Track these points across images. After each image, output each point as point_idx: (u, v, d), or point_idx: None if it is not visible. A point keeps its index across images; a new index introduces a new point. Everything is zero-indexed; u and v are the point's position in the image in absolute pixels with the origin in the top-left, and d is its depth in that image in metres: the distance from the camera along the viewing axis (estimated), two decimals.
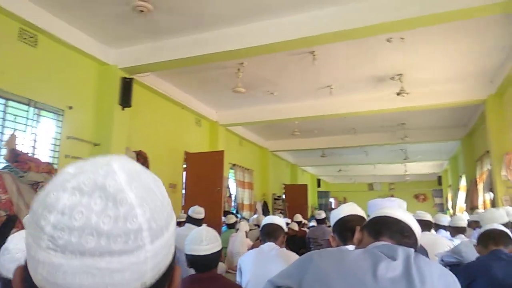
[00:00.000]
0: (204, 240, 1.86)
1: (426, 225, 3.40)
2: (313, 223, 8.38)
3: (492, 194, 6.80)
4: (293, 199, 12.18)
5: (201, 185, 6.96)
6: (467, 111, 8.26)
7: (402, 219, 1.19)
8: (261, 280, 2.13)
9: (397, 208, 1.25)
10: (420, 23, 4.34)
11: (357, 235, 1.24)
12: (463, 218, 3.82)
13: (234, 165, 9.58)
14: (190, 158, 7.47)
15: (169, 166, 7.08)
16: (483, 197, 7.57)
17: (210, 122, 8.56)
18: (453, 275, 1.05)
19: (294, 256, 2.36)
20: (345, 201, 20.09)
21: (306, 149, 11.64)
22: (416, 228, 1.20)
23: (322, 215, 6.41)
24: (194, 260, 1.87)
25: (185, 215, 6.20)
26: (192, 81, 6.78)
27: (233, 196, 9.61)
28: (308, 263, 1.05)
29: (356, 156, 13.23)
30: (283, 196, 12.66)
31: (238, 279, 2.48)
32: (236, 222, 5.93)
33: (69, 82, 4.95)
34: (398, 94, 6.26)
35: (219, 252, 1.92)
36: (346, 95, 7.33)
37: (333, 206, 18.61)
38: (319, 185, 18.38)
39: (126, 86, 5.52)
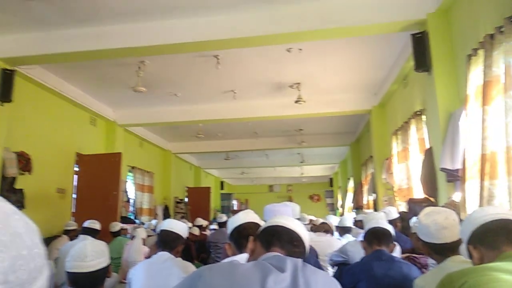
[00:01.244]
0: (88, 256, 1.66)
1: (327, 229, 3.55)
2: (214, 225, 8.39)
3: (375, 195, 7.59)
4: (196, 202, 12.06)
5: (95, 189, 6.48)
6: (355, 120, 9.11)
7: (293, 228, 1.24)
8: None
9: (288, 217, 1.30)
10: (319, 36, 4.66)
11: (250, 245, 1.25)
12: (349, 219, 4.16)
13: (133, 167, 9.11)
14: (83, 160, 6.90)
15: (57, 169, 6.43)
16: (367, 198, 8.41)
17: (106, 122, 8.01)
18: (336, 282, 1.11)
19: (190, 267, 2.27)
20: (247, 202, 20.58)
21: (210, 151, 11.63)
22: (305, 236, 1.25)
23: (223, 218, 6.46)
24: (76, 279, 1.66)
25: (75, 224, 5.71)
26: (88, 77, 6.28)
27: (131, 201, 9.13)
28: (197, 280, 1.01)
29: (258, 159, 13.66)
30: (186, 199, 12.46)
31: None
32: (120, 230, 5.57)
33: None
34: (296, 101, 6.62)
35: (106, 268, 1.72)
36: (249, 100, 7.50)
37: (235, 208, 18.90)
38: (222, 187, 18.52)
39: (7, 79, 4.90)
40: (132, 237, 4.93)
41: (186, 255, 5.60)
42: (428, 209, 1.84)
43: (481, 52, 3.39)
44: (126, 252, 4.71)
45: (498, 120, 3.05)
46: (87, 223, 4.59)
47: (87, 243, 1.74)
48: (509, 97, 2.92)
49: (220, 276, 1.01)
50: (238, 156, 13.23)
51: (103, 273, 1.70)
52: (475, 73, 3.51)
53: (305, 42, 5.06)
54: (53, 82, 6.11)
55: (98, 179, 6.56)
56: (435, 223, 1.69)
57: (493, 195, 3.05)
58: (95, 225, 4.64)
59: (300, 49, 5.31)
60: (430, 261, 2.55)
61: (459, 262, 1.52)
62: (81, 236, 4.20)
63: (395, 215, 3.94)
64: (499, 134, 3.03)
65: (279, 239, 1.20)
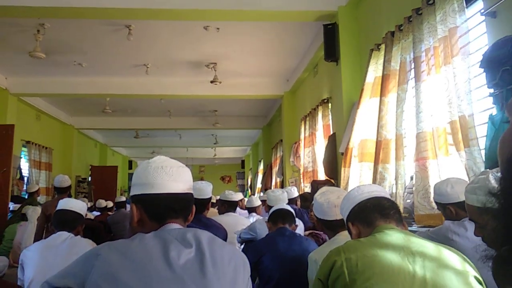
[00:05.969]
0: None
1: (232, 206, 3.51)
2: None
3: (282, 177, 7.96)
4: (101, 182, 11.37)
5: None
6: (268, 104, 9.38)
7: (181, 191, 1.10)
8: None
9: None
10: (234, 16, 4.65)
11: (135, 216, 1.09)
12: (255, 200, 4.32)
13: (28, 142, 8.22)
14: None
15: None
16: (276, 179, 8.79)
17: None
18: (243, 256, 1.12)
19: (92, 245, 2.15)
20: None
21: (118, 128, 11.01)
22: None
23: (122, 198, 6.30)
24: None
25: None
26: None
27: (25, 179, 8.26)
28: (94, 259, 0.95)
29: (170, 138, 13.33)
30: (89, 179, 11.69)
31: (20, 276, 2.08)
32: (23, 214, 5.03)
33: None
34: (211, 82, 6.57)
35: None
36: (162, 76, 7.23)
37: None
38: (130, 167, 17.74)
39: None
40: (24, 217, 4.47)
41: (95, 239, 5.31)
42: (323, 189, 1.99)
43: (383, 47, 3.72)
44: (19, 234, 4.29)
45: (392, 110, 3.40)
46: None
47: None
48: (401, 90, 3.27)
49: (119, 254, 0.95)
50: (149, 135, 12.74)
51: None
52: (375, 66, 3.85)
53: (223, 21, 5.02)
54: None
55: None
56: (328, 201, 1.84)
57: (384, 178, 3.42)
58: None
59: (218, 29, 5.25)
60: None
61: (347, 236, 1.68)
62: None
63: (295, 194, 4.20)
64: (392, 123, 3.38)
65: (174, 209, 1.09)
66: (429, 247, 1.18)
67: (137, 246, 0.98)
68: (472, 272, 1.14)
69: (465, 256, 1.20)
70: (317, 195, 1.93)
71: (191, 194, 1.15)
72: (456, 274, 1.11)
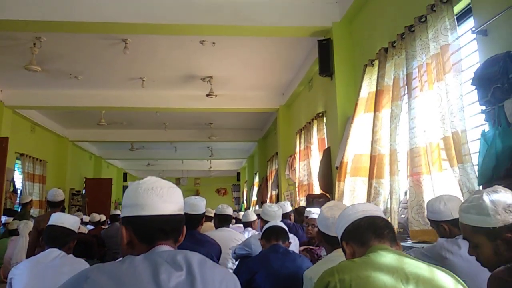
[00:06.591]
0: None
1: (226, 220, 3.50)
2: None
3: (277, 190, 7.94)
4: (95, 194, 11.28)
5: None
6: (264, 117, 9.41)
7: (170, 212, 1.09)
8: None
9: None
10: (231, 31, 4.70)
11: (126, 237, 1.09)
12: (251, 214, 4.30)
13: (22, 154, 8.17)
14: None
15: None
16: (271, 192, 8.76)
17: None
18: (235, 277, 1.10)
19: (85, 265, 2.10)
20: None
21: (113, 141, 10.97)
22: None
23: (116, 212, 6.18)
24: None
25: None
26: None
27: (18, 192, 8.18)
28: (83, 282, 0.93)
29: (166, 151, 13.28)
30: (83, 191, 11.59)
31: None
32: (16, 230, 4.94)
33: None
34: (207, 95, 6.59)
35: None
36: (158, 89, 7.25)
37: None
38: (125, 179, 17.62)
39: None
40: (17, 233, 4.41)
41: (88, 253, 5.20)
42: (331, 203, 1.98)
43: (376, 63, 3.76)
44: (10, 249, 4.23)
45: (386, 125, 3.42)
46: None
47: None
48: (395, 106, 3.29)
49: (109, 277, 0.93)
50: (144, 147, 12.70)
51: None
52: (369, 82, 3.88)
53: (219, 36, 5.07)
54: None
55: None
56: (334, 217, 1.82)
57: (379, 193, 3.42)
58: None
59: (214, 43, 5.30)
60: (324, 253, 2.76)
61: (343, 254, 1.67)
62: None
63: (289, 208, 4.19)
64: (386, 138, 3.40)
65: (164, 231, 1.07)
66: (423, 268, 1.17)
67: (127, 269, 0.97)
68: None
69: (458, 278, 1.19)
70: (324, 208, 1.92)
71: (182, 215, 1.13)
72: None
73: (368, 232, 1.33)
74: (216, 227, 3.49)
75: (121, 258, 1.04)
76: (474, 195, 1.37)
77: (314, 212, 3.31)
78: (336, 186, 4.11)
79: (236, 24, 4.48)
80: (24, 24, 4.28)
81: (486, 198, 1.31)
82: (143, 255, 1.02)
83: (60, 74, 6.39)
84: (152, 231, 1.06)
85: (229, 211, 3.59)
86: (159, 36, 5.05)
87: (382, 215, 1.41)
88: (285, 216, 3.84)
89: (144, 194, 1.07)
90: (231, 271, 3.11)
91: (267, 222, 2.86)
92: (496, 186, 1.38)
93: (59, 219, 2.29)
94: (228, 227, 3.54)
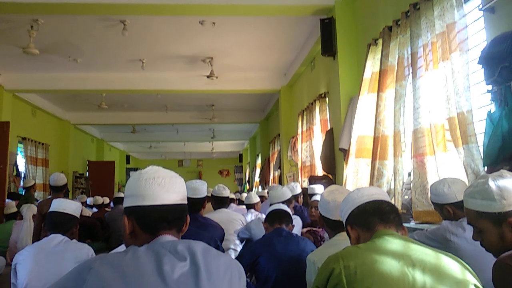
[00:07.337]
0: None
1: (222, 202, 3.38)
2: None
3: (280, 171, 7.95)
4: (98, 177, 11.36)
5: None
6: (266, 98, 9.33)
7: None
8: (44, 282, 1.84)
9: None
10: (231, 11, 4.60)
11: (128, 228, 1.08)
12: (253, 196, 4.27)
13: (24, 138, 8.17)
14: None
15: None
16: (273, 173, 8.78)
17: None
18: (239, 265, 1.09)
19: (88, 250, 2.11)
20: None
21: (115, 124, 10.94)
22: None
23: (121, 194, 6.16)
24: None
25: None
26: None
27: (22, 175, 8.23)
28: (86, 273, 0.92)
29: (167, 133, 13.26)
30: (87, 174, 11.65)
31: (13, 281, 2.04)
32: (17, 212, 4.89)
33: None
34: (208, 76, 6.52)
35: None
36: (158, 71, 7.17)
37: None
38: (128, 162, 17.68)
39: None
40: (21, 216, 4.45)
41: (92, 236, 5.23)
42: (333, 187, 1.97)
43: (380, 42, 3.68)
44: (14, 233, 4.27)
45: (390, 106, 3.38)
46: None
47: None
48: (400, 86, 3.24)
49: (112, 268, 0.92)
50: (146, 130, 12.68)
51: None
52: (372, 61, 3.81)
53: (219, 16, 4.97)
54: None
55: None
56: (335, 201, 1.81)
57: (382, 174, 3.40)
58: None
59: (214, 23, 5.19)
60: (326, 235, 2.77)
61: (347, 237, 1.66)
62: None
63: (298, 190, 4.17)
64: (390, 119, 3.35)
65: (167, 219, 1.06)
66: (429, 254, 1.16)
67: (130, 259, 0.95)
68: (472, 281, 1.12)
69: (465, 263, 1.18)
70: (324, 192, 1.91)
71: (185, 204, 1.12)
72: (456, 283, 1.10)
73: (374, 217, 1.31)
74: (214, 209, 3.43)
75: (124, 248, 1.02)
76: (479, 180, 1.35)
77: (317, 193, 3.30)
78: (344, 168, 4.07)
79: (235, 3, 4.38)
80: (21, 6, 4.20)
81: (492, 183, 1.28)
82: (146, 246, 1.01)
83: (59, 57, 6.31)
84: (154, 221, 1.06)
85: (225, 193, 3.41)
86: (157, 17, 4.96)
87: (388, 200, 1.39)
88: (294, 198, 3.75)
89: (146, 184, 1.06)
90: (233, 252, 3.13)
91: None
92: (502, 170, 1.36)
93: (60, 205, 2.29)
94: (226, 208, 3.48)
